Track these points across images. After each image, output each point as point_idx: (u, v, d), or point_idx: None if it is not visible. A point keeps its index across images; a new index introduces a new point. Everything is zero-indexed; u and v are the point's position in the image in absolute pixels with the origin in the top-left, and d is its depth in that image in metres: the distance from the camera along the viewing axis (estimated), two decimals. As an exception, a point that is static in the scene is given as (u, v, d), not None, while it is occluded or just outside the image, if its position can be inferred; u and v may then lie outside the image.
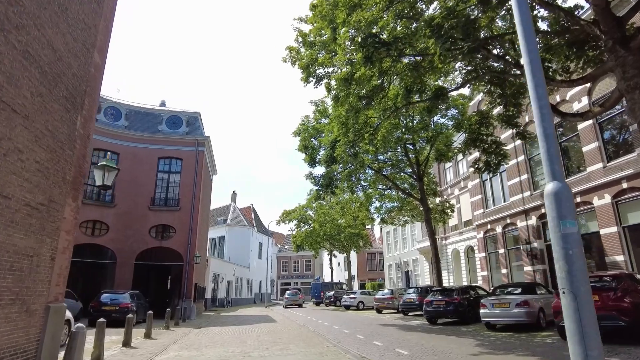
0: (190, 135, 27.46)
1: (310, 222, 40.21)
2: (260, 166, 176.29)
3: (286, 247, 77.30)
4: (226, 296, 41.65)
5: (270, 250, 67.12)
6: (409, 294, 22.71)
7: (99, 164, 7.85)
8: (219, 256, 49.50)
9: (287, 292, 42.33)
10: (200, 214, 26.42)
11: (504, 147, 16.52)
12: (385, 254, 43.98)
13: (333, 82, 15.00)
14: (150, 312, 13.59)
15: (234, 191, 58.84)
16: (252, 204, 63.79)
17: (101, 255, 24.13)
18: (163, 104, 30.62)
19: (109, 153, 9.31)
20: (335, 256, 47.79)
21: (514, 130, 20.25)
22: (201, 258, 30.08)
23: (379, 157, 20.90)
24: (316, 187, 20.14)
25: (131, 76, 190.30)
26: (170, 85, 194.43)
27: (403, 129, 18.46)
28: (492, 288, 19.13)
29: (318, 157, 20.41)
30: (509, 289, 14.07)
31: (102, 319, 9.04)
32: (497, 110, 16.44)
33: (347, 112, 14.27)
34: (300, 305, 39.69)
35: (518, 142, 21.93)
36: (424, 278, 33.92)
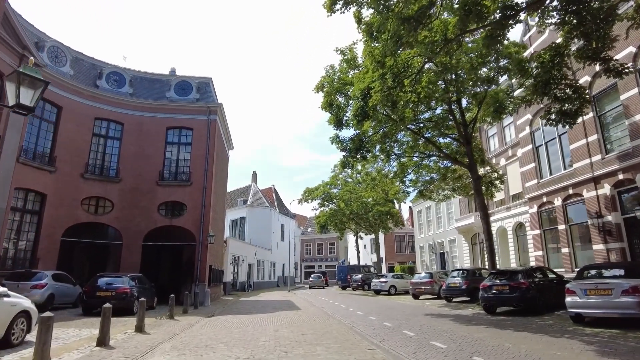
0: (201, 102, 24.67)
1: (334, 200, 37.16)
2: (281, 150, 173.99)
3: (309, 229, 74.87)
4: (247, 279, 39.40)
5: (293, 233, 64.77)
6: (453, 277, 19.56)
7: (15, 71, 4.90)
8: (240, 238, 47.33)
9: (312, 275, 49.20)
10: (213, 189, 23.76)
11: (585, 91, 13.00)
12: (417, 235, 40.66)
13: (366, 12, 11.75)
14: (142, 299, 10.93)
15: (254, 171, 56.22)
16: (273, 185, 61.31)
17: (105, 235, 21.84)
18: (173, 72, 27.85)
19: (31, 59, 6.13)
20: (361, 238, 44.85)
21: (597, 70, 16.62)
22: (219, 239, 27.67)
23: (418, 117, 17.52)
24: (343, 153, 17.01)
25: (139, 46, 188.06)
26: (181, 60, 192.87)
27: (451, 77, 14.99)
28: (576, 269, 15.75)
29: (345, 117, 17.23)
30: (603, 271, 10.70)
31: (48, 313, 6.31)
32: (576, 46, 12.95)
33: (384, 46, 10.99)
34: (323, 287, 45.19)
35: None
36: (463, 260, 30.59)
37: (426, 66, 14.04)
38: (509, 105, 14.63)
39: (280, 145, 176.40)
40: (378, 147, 18.92)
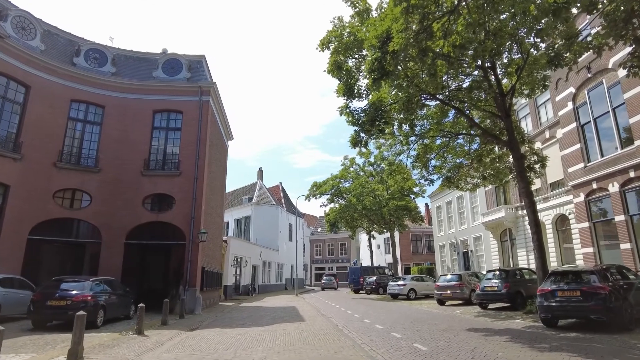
0: (192, 82, 21.73)
1: (345, 195, 33.90)
2: (292, 152, 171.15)
3: (319, 229, 71.76)
4: (251, 282, 36.34)
5: (302, 233, 61.75)
6: (489, 279, 16.28)
7: None
8: (244, 238, 44.39)
9: (325, 277, 48.86)
10: (206, 181, 20.80)
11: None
12: (436, 233, 37.24)
13: None
14: (80, 313, 7.89)
15: (260, 168, 53.28)
16: (281, 183, 58.34)
17: (82, 232, 19.01)
18: (165, 52, 24.97)
19: None
20: (374, 237, 41.57)
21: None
22: (215, 238, 24.73)
23: (448, 85, 14.27)
24: (355, 128, 13.87)
25: (128, 27, 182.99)
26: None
27: (489, 27, 11.75)
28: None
29: (358, 85, 14.10)
30: None
31: None
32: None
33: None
34: (335, 288, 46.00)
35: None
36: (491, 259, 27.17)
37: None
38: (568, 56, 11.38)
39: (291, 146, 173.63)
40: (396, 125, 15.78)
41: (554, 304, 9.88)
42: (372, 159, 33.50)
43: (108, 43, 22.67)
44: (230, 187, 57.90)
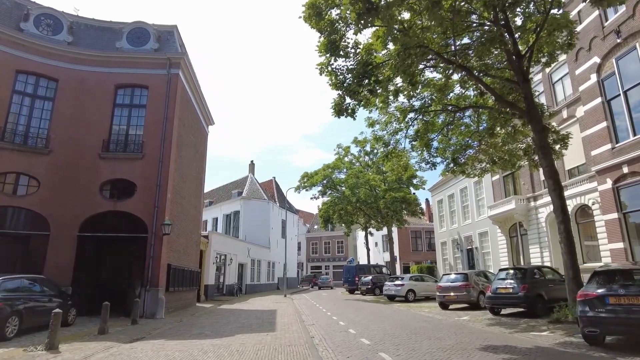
0: (160, 54, 19.03)
1: (338, 186, 31.07)
2: (293, 152, 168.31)
3: (315, 226, 69.03)
4: (237, 282, 33.59)
5: (297, 230, 59.11)
6: (502, 280, 13.56)
7: None
8: (234, 234, 41.70)
9: (322, 276, 53.16)
10: (174, 165, 18.10)
11: None
12: (437, 229, 34.47)
13: None
14: None
15: (252, 161, 50.51)
16: (274, 177, 55.49)
17: (25, 223, 16.31)
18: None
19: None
20: (371, 234, 38.86)
21: None
22: (190, 232, 22.03)
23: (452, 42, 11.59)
24: (339, 92, 11.17)
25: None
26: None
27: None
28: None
29: (344, 40, 11.39)
30: None
31: None
32: None
33: None
34: (331, 288, 48.50)
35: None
36: (499, 257, 24.45)
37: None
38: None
39: (290, 145, 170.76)
40: (391, 94, 13.05)
41: (604, 315, 7.15)
42: (368, 148, 30.76)
43: (72, 12, 19.98)
44: (223, 183, 55.30)
